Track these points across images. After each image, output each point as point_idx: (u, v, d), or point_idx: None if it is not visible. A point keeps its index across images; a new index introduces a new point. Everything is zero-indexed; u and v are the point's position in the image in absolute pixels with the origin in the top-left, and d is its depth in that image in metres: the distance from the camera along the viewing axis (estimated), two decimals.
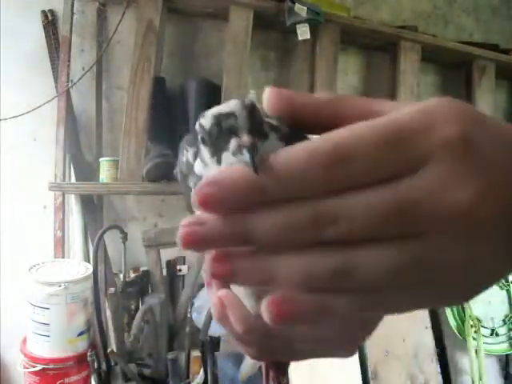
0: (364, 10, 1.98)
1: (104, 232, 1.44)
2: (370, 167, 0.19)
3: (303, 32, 1.60)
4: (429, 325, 1.84)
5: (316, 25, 1.64)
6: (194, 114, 1.55)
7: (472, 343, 1.87)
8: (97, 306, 1.37)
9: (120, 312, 1.38)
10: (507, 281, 1.93)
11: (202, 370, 1.38)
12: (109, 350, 1.30)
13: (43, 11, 1.53)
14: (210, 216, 0.19)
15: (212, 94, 1.57)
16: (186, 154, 0.30)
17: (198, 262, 1.47)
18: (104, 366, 1.37)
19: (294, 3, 1.57)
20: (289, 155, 0.20)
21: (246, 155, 0.21)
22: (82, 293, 1.33)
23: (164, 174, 1.42)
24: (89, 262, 1.48)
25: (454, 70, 2.14)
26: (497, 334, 1.97)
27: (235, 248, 0.20)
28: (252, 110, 0.24)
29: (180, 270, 1.59)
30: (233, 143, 0.23)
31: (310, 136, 0.23)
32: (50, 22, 1.52)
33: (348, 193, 0.19)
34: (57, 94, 1.47)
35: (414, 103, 0.22)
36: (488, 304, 1.95)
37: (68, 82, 1.48)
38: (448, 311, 1.88)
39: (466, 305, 1.85)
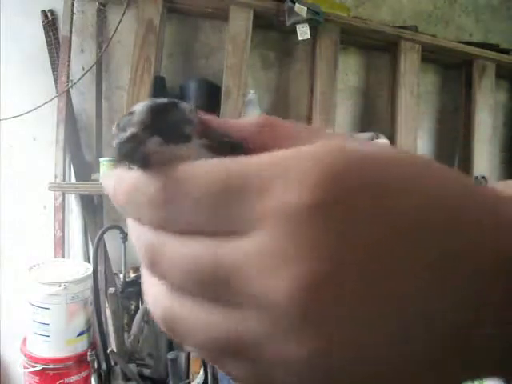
0: (364, 10, 1.98)
1: (104, 232, 1.44)
2: (193, 215, 0.16)
3: (303, 32, 1.60)
4: None
5: (316, 25, 1.64)
6: None
7: None
8: (97, 306, 1.37)
9: (120, 312, 1.38)
10: None
11: (201, 369, 1.38)
12: (109, 350, 1.30)
13: (43, 11, 1.53)
14: None
15: (212, 94, 1.57)
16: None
17: None
18: (104, 366, 1.37)
19: (294, 3, 1.57)
20: (119, 177, 0.19)
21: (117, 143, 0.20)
22: (81, 293, 1.33)
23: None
24: (89, 262, 1.48)
25: (454, 70, 2.14)
26: None
27: None
28: (159, 108, 0.21)
29: None
30: (114, 142, 0.20)
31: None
32: (50, 22, 1.52)
33: (174, 234, 0.17)
34: (57, 94, 1.47)
35: (329, 139, 0.19)
36: None
37: (68, 82, 1.48)
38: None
39: None
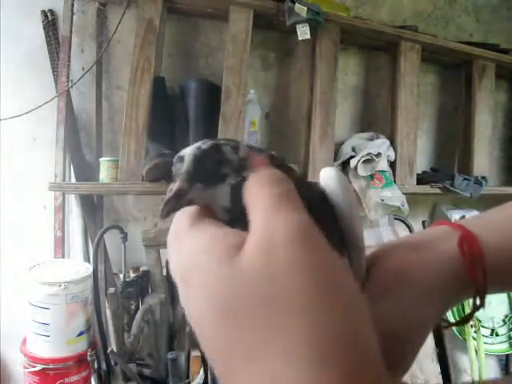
0: (364, 10, 1.98)
1: (104, 232, 1.44)
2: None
3: (303, 32, 1.60)
4: None
5: (316, 25, 1.64)
6: (194, 114, 1.55)
7: (472, 343, 1.87)
8: (97, 306, 1.37)
9: (120, 312, 1.38)
10: None
11: (202, 369, 1.38)
12: (109, 350, 1.30)
13: (43, 11, 1.53)
14: None
15: (212, 94, 1.57)
16: None
17: None
18: (104, 366, 1.37)
19: (294, 3, 1.57)
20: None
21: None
22: (81, 293, 1.33)
23: (164, 174, 1.42)
24: (89, 262, 1.48)
25: (454, 70, 2.14)
26: (497, 334, 1.97)
27: None
28: (202, 155, 0.25)
29: None
30: (168, 188, 0.26)
31: None
32: (50, 22, 1.52)
33: None
34: (57, 94, 1.47)
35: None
36: (488, 304, 1.95)
37: (68, 82, 1.48)
38: (448, 311, 1.88)
39: (465, 305, 1.85)
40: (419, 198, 2.06)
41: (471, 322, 1.88)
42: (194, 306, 0.22)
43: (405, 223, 1.86)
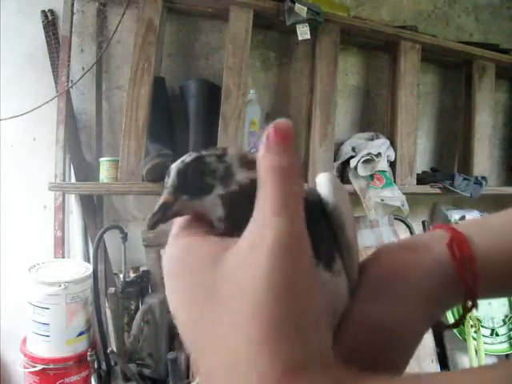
0: (364, 10, 1.98)
1: (104, 232, 1.44)
2: None
3: (303, 32, 1.60)
4: None
5: (316, 25, 1.64)
6: (194, 114, 1.55)
7: (472, 343, 1.87)
8: (97, 306, 1.37)
9: (120, 312, 1.38)
10: None
11: None
12: (109, 350, 1.30)
13: (43, 11, 1.53)
14: None
15: (212, 94, 1.57)
16: None
17: None
18: (104, 366, 1.37)
19: (294, 3, 1.57)
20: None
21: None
22: (81, 293, 1.33)
23: (164, 174, 1.42)
24: (89, 262, 1.48)
25: (454, 70, 2.14)
26: (497, 334, 1.97)
27: None
28: (185, 168, 0.27)
29: None
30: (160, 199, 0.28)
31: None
32: (50, 22, 1.52)
33: None
34: (57, 94, 1.47)
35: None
36: (488, 304, 1.95)
37: (68, 82, 1.48)
38: (448, 311, 1.88)
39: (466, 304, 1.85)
40: (419, 198, 2.06)
41: (471, 322, 1.88)
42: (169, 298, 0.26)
43: (405, 223, 1.86)
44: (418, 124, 1.90)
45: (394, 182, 1.77)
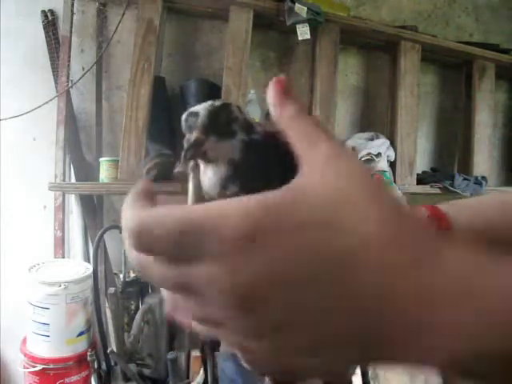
0: (364, 10, 1.98)
1: (104, 232, 1.44)
2: (167, 249, 0.22)
3: (303, 32, 1.60)
4: None
5: (316, 25, 1.64)
6: None
7: None
8: (97, 306, 1.37)
9: (120, 312, 1.38)
10: None
11: (201, 369, 1.38)
12: (109, 350, 1.30)
13: (43, 11, 1.53)
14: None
15: (212, 94, 1.57)
16: None
17: None
18: (104, 366, 1.37)
19: (294, 3, 1.57)
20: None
21: (183, 153, 0.27)
22: (81, 293, 1.33)
23: (164, 173, 1.42)
24: (89, 262, 1.48)
25: (454, 70, 2.14)
26: None
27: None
28: (215, 111, 0.28)
29: None
30: (185, 138, 0.28)
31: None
32: (50, 22, 1.52)
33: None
34: (57, 94, 1.47)
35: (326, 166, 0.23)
36: None
37: (68, 82, 1.48)
38: None
39: None
40: (419, 198, 2.06)
41: None
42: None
43: None
44: (417, 124, 1.90)
45: (394, 181, 1.77)
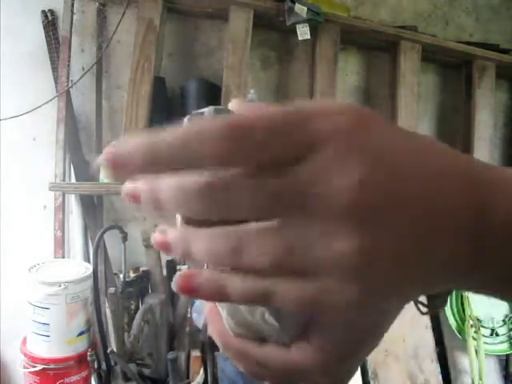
0: (364, 10, 1.98)
1: (104, 232, 1.44)
2: (257, 149, 0.18)
3: (303, 32, 1.60)
4: (429, 325, 1.84)
5: (316, 25, 1.64)
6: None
7: (472, 343, 1.87)
8: (97, 306, 1.37)
9: (120, 312, 1.38)
10: None
11: (201, 369, 1.38)
12: (109, 350, 1.30)
13: (43, 11, 1.53)
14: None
15: (212, 94, 1.57)
16: None
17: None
18: (104, 366, 1.37)
19: (294, 3, 1.57)
20: (190, 126, 0.20)
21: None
22: (81, 293, 1.33)
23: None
24: (89, 262, 1.48)
25: (454, 70, 2.14)
26: (497, 334, 1.97)
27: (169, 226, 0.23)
28: (221, 112, 0.27)
29: (180, 270, 1.59)
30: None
31: None
32: (50, 22, 1.52)
33: (239, 173, 0.19)
34: (57, 94, 1.47)
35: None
36: (488, 304, 1.95)
37: (68, 82, 1.48)
38: (448, 311, 1.88)
39: (466, 305, 1.85)
40: None
41: (471, 322, 1.88)
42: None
43: None
44: (418, 124, 1.90)
45: None
